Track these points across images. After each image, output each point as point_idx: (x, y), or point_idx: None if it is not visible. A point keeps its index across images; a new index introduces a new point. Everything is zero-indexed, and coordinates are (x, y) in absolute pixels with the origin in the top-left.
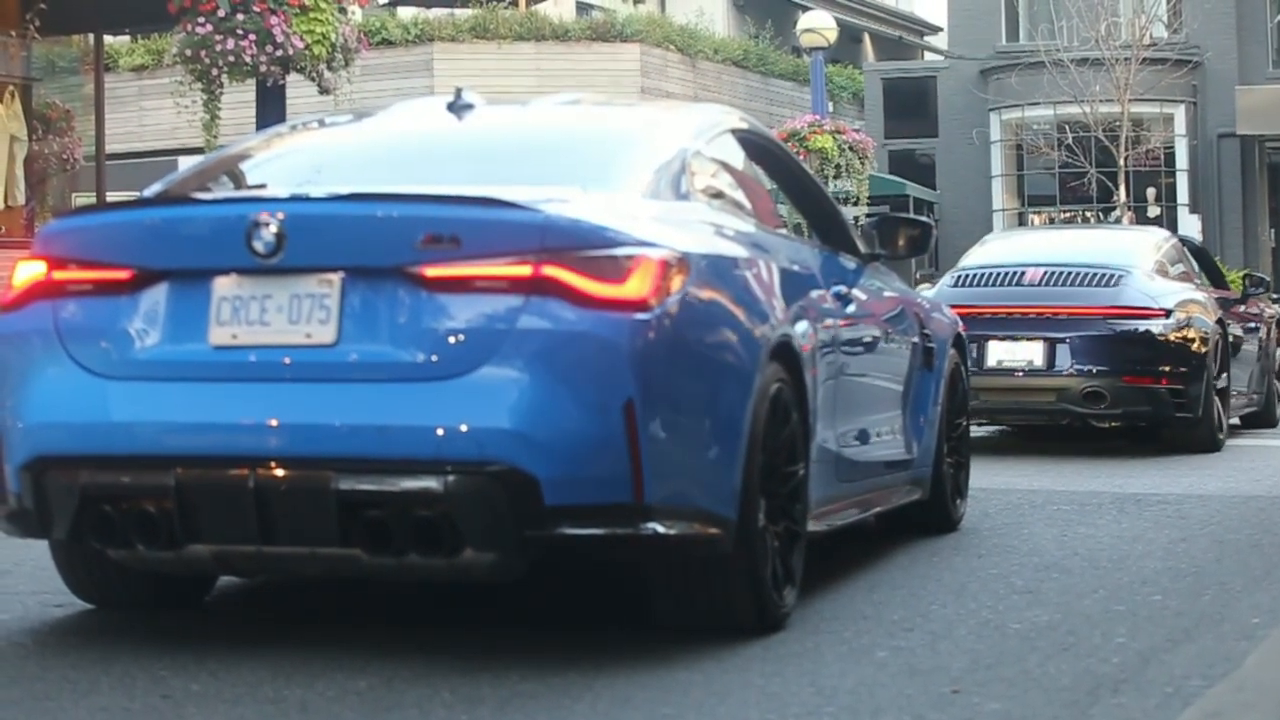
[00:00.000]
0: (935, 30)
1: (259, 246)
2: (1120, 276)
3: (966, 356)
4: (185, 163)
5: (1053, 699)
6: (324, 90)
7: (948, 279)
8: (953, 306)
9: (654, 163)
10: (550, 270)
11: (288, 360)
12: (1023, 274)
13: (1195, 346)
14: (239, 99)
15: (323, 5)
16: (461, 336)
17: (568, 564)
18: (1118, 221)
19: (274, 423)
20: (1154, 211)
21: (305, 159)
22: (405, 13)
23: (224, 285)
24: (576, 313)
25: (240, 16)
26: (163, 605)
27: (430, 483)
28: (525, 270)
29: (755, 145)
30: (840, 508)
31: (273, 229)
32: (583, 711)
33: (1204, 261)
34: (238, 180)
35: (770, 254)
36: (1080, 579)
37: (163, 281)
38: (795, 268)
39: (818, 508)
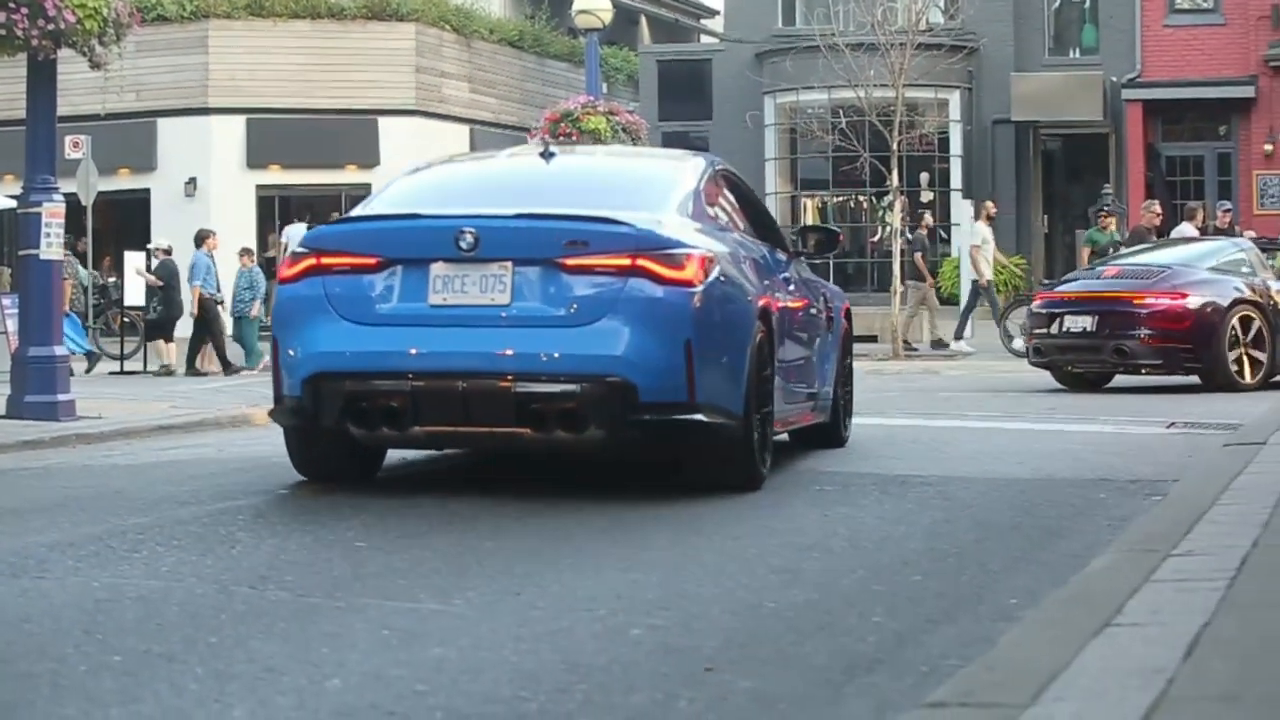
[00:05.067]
0: (712, 14)
1: (462, 245)
2: (1166, 273)
3: (853, 322)
4: None
5: (807, 677)
6: (95, 65)
7: (1066, 277)
8: (1052, 292)
9: (681, 193)
10: (642, 262)
11: (489, 314)
12: (1103, 271)
13: (1209, 320)
14: (10, 73)
15: None
16: (588, 301)
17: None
18: (890, 207)
19: (476, 351)
20: (927, 196)
21: (463, 185)
22: None
23: (438, 269)
24: (657, 287)
25: None
26: (355, 477)
27: (572, 387)
28: (626, 262)
29: (729, 179)
30: (783, 423)
31: (471, 235)
32: (334, 689)
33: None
34: (429, 199)
35: (750, 252)
36: (841, 559)
37: (397, 265)
38: (763, 260)
39: (776, 419)
